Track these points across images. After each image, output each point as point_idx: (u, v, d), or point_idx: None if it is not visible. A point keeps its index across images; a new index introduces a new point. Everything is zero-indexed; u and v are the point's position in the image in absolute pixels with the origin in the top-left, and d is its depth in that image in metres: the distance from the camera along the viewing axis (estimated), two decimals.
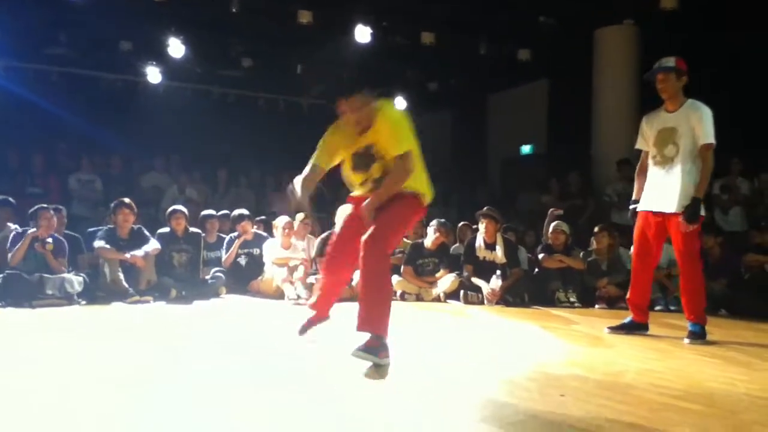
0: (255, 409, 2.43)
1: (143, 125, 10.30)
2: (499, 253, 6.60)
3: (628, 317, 4.63)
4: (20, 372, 3.00)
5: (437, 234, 6.75)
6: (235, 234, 7.02)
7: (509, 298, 6.46)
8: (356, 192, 3.52)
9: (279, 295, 6.34)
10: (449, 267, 6.82)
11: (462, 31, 9.51)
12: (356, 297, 6.59)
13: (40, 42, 10.04)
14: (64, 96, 10.09)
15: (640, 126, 4.55)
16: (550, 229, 6.84)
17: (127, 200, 6.28)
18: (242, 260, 6.99)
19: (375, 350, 3.01)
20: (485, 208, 6.74)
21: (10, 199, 6.67)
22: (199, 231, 6.80)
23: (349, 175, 3.49)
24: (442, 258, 6.89)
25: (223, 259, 6.92)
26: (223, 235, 7.17)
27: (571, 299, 6.44)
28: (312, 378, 2.99)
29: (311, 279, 6.46)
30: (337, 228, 3.59)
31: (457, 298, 6.56)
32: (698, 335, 4.21)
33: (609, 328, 4.62)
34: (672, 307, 6.02)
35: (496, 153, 12.27)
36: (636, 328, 4.54)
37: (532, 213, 8.94)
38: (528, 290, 6.64)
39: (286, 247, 6.76)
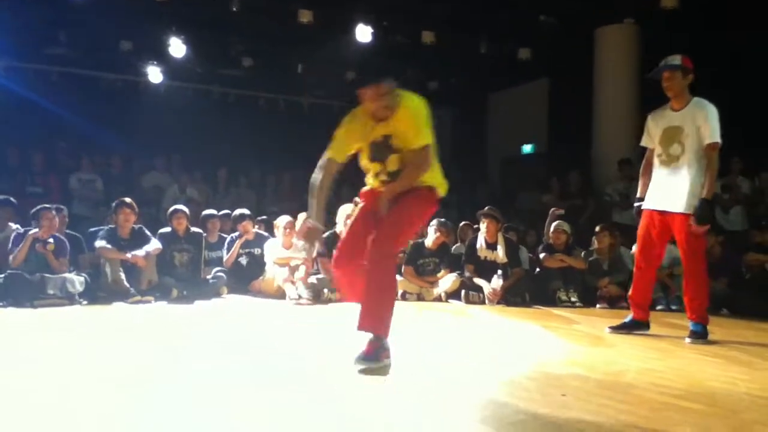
0: (255, 408, 2.44)
1: (144, 125, 10.30)
2: (500, 253, 6.60)
3: (628, 316, 4.63)
4: (20, 372, 3.00)
5: (438, 234, 6.75)
6: (236, 234, 7.03)
7: (510, 297, 6.46)
8: (369, 184, 3.45)
9: (280, 295, 6.34)
10: (450, 267, 6.82)
11: (462, 30, 9.51)
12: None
13: (41, 42, 10.04)
14: (65, 96, 10.08)
15: (645, 123, 4.53)
16: (551, 229, 6.84)
17: (128, 200, 6.29)
18: (243, 260, 6.99)
19: (375, 356, 3.04)
20: (486, 208, 6.74)
21: (11, 198, 6.67)
22: (200, 231, 6.81)
23: (366, 164, 3.42)
24: (443, 258, 6.89)
25: (224, 260, 6.92)
26: (225, 235, 7.18)
27: (572, 299, 6.44)
28: (312, 378, 2.99)
29: (312, 279, 6.47)
30: (348, 223, 3.53)
31: (459, 298, 6.56)
32: (700, 335, 4.20)
33: (610, 327, 4.62)
34: (673, 307, 6.02)
35: (496, 152, 12.27)
36: (637, 326, 4.54)
37: (532, 212, 8.95)
38: (529, 290, 6.64)
39: (287, 247, 6.76)
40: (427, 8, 8.83)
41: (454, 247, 7.32)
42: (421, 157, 3.19)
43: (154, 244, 6.21)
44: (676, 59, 4.27)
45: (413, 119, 3.19)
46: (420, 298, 6.63)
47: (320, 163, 3.39)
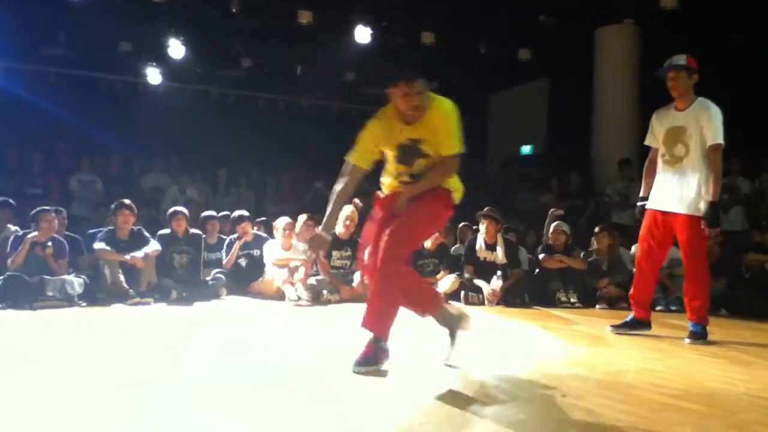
0: (255, 409, 2.44)
1: (143, 126, 10.31)
2: (499, 254, 6.60)
3: (629, 315, 4.62)
4: (20, 372, 3.01)
5: (437, 234, 6.75)
6: (235, 236, 7.02)
7: (509, 298, 6.46)
8: (387, 185, 3.34)
9: (280, 296, 6.34)
10: (449, 268, 6.82)
11: (462, 31, 9.51)
12: (356, 297, 6.63)
13: (40, 43, 10.05)
14: (64, 97, 10.09)
15: (650, 122, 4.53)
16: (551, 230, 6.84)
17: (127, 201, 6.28)
18: (242, 261, 6.99)
19: (372, 359, 3.03)
20: (486, 209, 6.74)
21: (10, 200, 6.68)
22: (199, 232, 6.80)
23: (390, 166, 3.29)
24: (442, 259, 6.89)
25: (223, 262, 6.92)
26: (224, 237, 7.17)
27: (572, 299, 6.44)
28: (312, 378, 3.00)
29: (312, 280, 6.46)
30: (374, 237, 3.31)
31: (458, 299, 6.55)
32: (699, 335, 4.20)
33: (612, 326, 4.62)
34: (673, 307, 6.02)
35: (496, 152, 12.27)
36: (638, 325, 4.53)
37: (532, 213, 8.94)
38: (528, 291, 6.64)
39: (286, 248, 6.76)
40: (427, 9, 8.84)
41: (453, 248, 7.32)
42: (450, 165, 3.13)
43: (153, 246, 6.21)
44: (681, 59, 4.26)
45: (445, 124, 3.09)
46: None
47: (343, 169, 3.23)
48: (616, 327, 4.60)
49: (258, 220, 7.77)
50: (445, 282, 6.64)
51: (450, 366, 3.19)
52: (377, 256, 3.11)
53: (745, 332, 4.77)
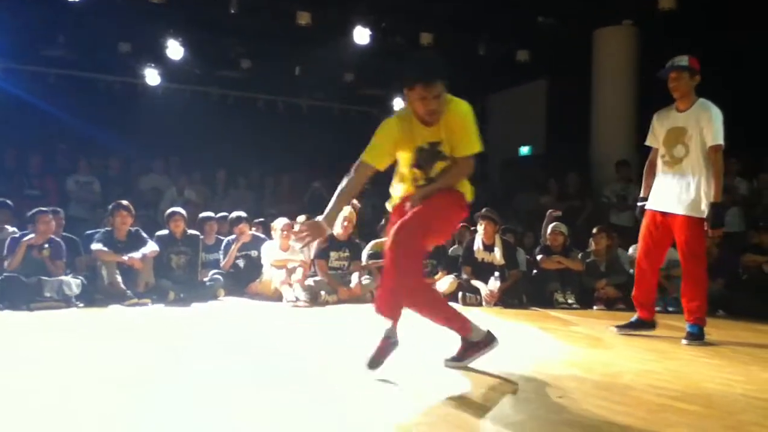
0: (256, 409, 2.44)
1: (142, 127, 10.31)
2: (497, 255, 6.60)
3: (634, 316, 4.62)
4: (21, 372, 3.01)
5: None
6: (233, 237, 7.02)
7: (507, 299, 6.46)
8: (402, 190, 3.26)
9: (277, 297, 6.34)
10: (447, 268, 6.82)
11: (461, 32, 9.52)
12: (354, 298, 6.63)
13: (39, 43, 10.04)
14: (63, 98, 10.10)
15: (651, 123, 4.53)
16: (549, 231, 6.84)
17: (124, 202, 6.29)
18: (240, 262, 6.99)
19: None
20: (484, 210, 6.74)
21: (8, 201, 6.67)
22: (197, 233, 6.80)
23: (405, 171, 3.21)
24: (440, 259, 6.89)
25: (221, 263, 6.91)
26: (222, 237, 7.17)
27: (570, 300, 6.44)
28: (313, 378, 3.00)
29: (309, 281, 6.46)
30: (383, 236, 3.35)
31: (456, 300, 6.55)
32: (696, 336, 4.20)
33: (616, 327, 4.63)
34: (670, 308, 6.03)
35: (495, 153, 12.27)
36: (642, 325, 4.53)
37: (530, 214, 8.94)
38: (526, 291, 6.64)
39: (284, 249, 6.75)
40: (426, 10, 8.85)
41: (451, 248, 7.32)
42: (465, 166, 3.08)
43: (151, 247, 6.20)
44: (683, 60, 4.26)
45: (462, 125, 3.03)
46: None
47: (355, 166, 3.08)
48: (620, 327, 4.60)
49: (256, 221, 7.77)
50: (443, 283, 6.64)
51: (451, 367, 3.19)
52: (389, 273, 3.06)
53: (742, 333, 4.77)
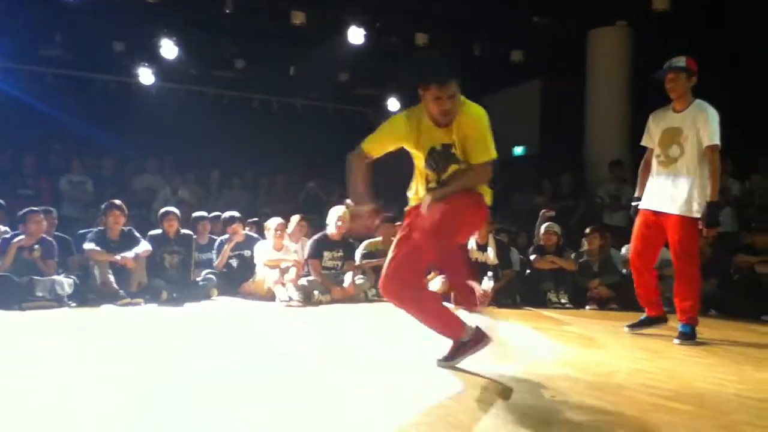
0: (255, 409, 2.45)
1: (136, 126, 10.29)
2: (491, 255, 6.60)
3: (643, 314, 4.63)
4: (20, 372, 3.01)
5: None
6: (226, 237, 7.00)
7: (500, 299, 6.46)
8: (415, 193, 3.25)
9: (270, 296, 6.32)
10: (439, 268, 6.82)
11: (456, 32, 9.52)
12: (348, 298, 6.62)
13: (35, 43, 10.00)
14: (57, 97, 10.06)
15: (647, 123, 4.54)
16: (542, 231, 6.85)
17: (117, 202, 6.26)
18: (234, 262, 6.97)
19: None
20: None
21: (1, 201, 6.64)
22: (190, 233, 6.78)
23: (418, 174, 3.19)
24: None
25: (214, 263, 6.89)
26: (215, 237, 7.15)
27: (563, 300, 6.45)
28: (312, 378, 3.00)
29: (303, 281, 6.45)
30: (393, 248, 3.17)
31: (449, 300, 6.54)
32: (688, 336, 4.22)
33: (628, 326, 4.64)
34: (663, 308, 6.03)
35: None
36: (653, 322, 4.54)
37: (524, 214, 8.95)
38: (520, 291, 6.65)
39: (277, 249, 6.74)
40: (421, 10, 8.85)
41: None
42: (481, 172, 3.03)
43: (144, 246, 6.18)
44: (681, 61, 4.27)
45: (474, 131, 2.98)
46: None
47: (351, 154, 3.13)
48: (631, 326, 4.62)
49: (250, 220, 7.76)
50: (436, 283, 6.62)
51: (443, 366, 3.19)
52: (388, 269, 3.04)
53: (734, 333, 4.79)
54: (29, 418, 2.27)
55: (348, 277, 6.61)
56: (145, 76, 10.69)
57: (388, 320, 3.21)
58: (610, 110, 9.06)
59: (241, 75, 11.18)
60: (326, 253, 6.72)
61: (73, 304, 5.59)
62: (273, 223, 6.82)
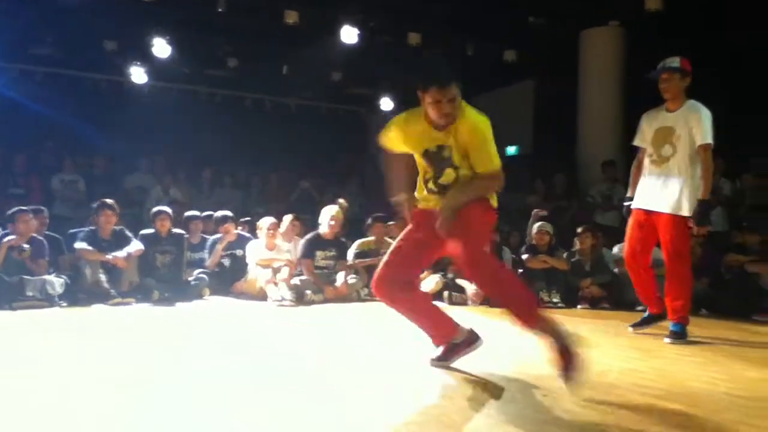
0: (255, 409, 2.45)
1: (129, 125, 10.24)
2: None
3: (645, 313, 4.64)
4: (20, 372, 3.02)
5: None
6: (218, 236, 6.98)
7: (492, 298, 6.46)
8: (420, 197, 3.19)
9: (263, 296, 6.31)
10: (433, 267, 6.81)
11: (449, 32, 9.53)
12: (340, 297, 6.61)
13: (27, 42, 9.93)
14: (49, 96, 10.00)
15: (639, 123, 4.55)
16: (534, 230, 6.86)
17: (109, 201, 6.23)
18: (226, 261, 6.95)
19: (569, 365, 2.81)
20: None
21: None
22: (182, 232, 6.76)
23: (420, 174, 3.16)
24: None
25: (207, 262, 6.87)
26: (207, 236, 7.13)
27: (555, 299, 6.47)
28: (312, 378, 3.01)
29: (295, 280, 6.44)
30: (392, 248, 3.18)
31: (441, 299, 6.56)
32: (679, 335, 4.23)
33: (632, 326, 4.65)
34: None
35: None
36: (656, 320, 4.54)
37: (517, 213, 8.96)
38: None
39: (270, 248, 6.73)
40: (414, 9, 8.84)
41: None
42: (489, 181, 2.96)
43: (136, 245, 6.16)
44: (675, 61, 4.29)
45: (477, 137, 2.92)
46: None
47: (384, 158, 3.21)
48: (635, 326, 4.63)
49: (242, 220, 7.74)
50: (429, 282, 6.63)
51: (436, 366, 3.19)
52: (384, 269, 3.06)
53: (725, 332, 4.81)
54: (29, 418, 2.28)
55: (340, 277, 6.60)
56: (138, 74, 10.65)
57: (385, 319, 3.22)
58: (602, 110, 9.07)
59: (233, 74, 11.14)
60: (319, 253, 6.71)
61: (64, 304, 5.56)
62: (265, 222, 6.80)
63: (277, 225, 6.92)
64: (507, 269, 3.01)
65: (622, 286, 6.37)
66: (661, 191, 4.28)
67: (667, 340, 4.23)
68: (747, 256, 6.14)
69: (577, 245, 6.86)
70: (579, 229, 6.87)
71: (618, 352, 3.85)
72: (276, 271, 6.44)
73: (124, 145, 10.04)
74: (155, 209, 6.71)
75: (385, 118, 13.81)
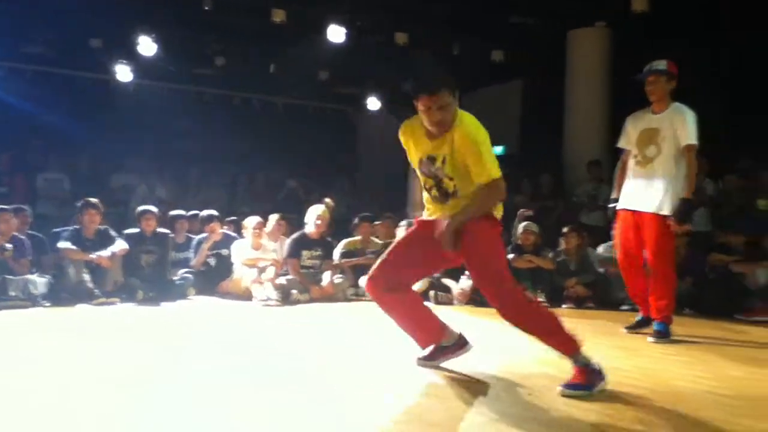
0: (255, 409, 2.45)
1: (115, 124, 10.18)
2: None
3: (639, 315, 4.65)
4: (20, 372, 3.02)
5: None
6: (204, 235, 6.93)
7: (478, 297, 6.46)
8: (426, 206, 3.15)
9: (248, 296, 6.27)
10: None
11: (436, 31, 9.54)
12: (326, 297, 6.59)
13: (14, 40, 9.81)
14: (34, 94, 9.91)
15: (623, 125, 4.59)
16: (520, 230, 6.87)
17: (93, 200, 6.18)
18: (212, 261, 6.91)
19: (585, 385, 2.75)
20: None
21: None
22: (167, 231, 6.71)
23: (421, 182, 3.11)
24: None
25: (192, 261, 6.83)
26: (192, 236, 7.08)
27: (540, 299, 6.47)
28: (312, 378, 3.01)
29: (281, 280, 6.41)
30: (390, 249, 3.16)
31: (428, 299, 6.55)
32: (663, 334, 4.26)
33: (626, 327, 4.65)
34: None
35: None
36: (647, 323, 4.54)
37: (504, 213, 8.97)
38: None
39: (256, 248, 6.69)
40: (401, 9, 8.84)
41: None
42: (491, 191, 2.86)
43: (121, 245, 6.11)
44: (661, 64, 4.34)
45: (471, 147, 2.83)
46: None
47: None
48: (629, 328, 4.64)
49: (228, 219, 7.70)
50: (417, 282, 6.63)
51: (423, 366, 3.19)
52: (380, 268, 3.04)
53: (709, 331, 4.84)
54: (29, 418, 2.28)
55: (326, 277, 6.58)
56: (123, 73, 10.56)
57: (385, 319, 3.20)
58: (589, 111, 9.11)
59: (221, 73, 11.08)
60: (305, 252, 6.69)
61: (47, 304, 5.50)
62: (251, 221, 6.77)
63: (263, 224, 6.88)
64: (527, 296, 2.98)
65: (607, 285, 6.41)
66: (646, 191, 4.32)
67: (651, 339, 4.26)
68: (731, 255, 6.19)
69: (562, 245, 6.88)
70: (565, 229, 6.89)
71: (602, 351, 3.85)
72: (261, 270, 6.41)
73: (110, 144, 9.98)
74: (141, 208, 6.65)
75: (372, 117, 13.83)
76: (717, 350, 4.04)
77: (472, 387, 2.87)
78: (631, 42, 8.25)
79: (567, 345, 2.85)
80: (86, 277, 5.77)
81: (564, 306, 6.40)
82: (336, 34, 9.03)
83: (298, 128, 11.89)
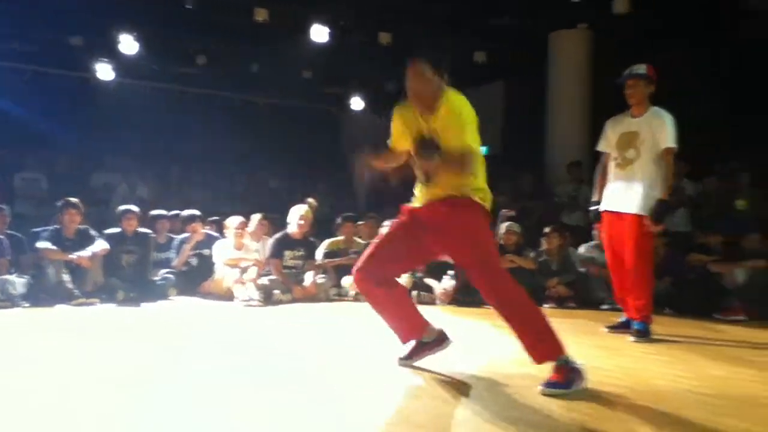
0: (255, 409, 2.45)
1: (95, 122, 10.08)
2: None
3: (622, 316, 4.68)
4: (20, 372, 3.00)
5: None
6: (185, 235, 6.88)
7: (460, 297, 6.48)
8: (417, 194, 3.15)
9: (230, 296, 6.24)
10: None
11: (419, 32, 9.54)
12: (308, 297, 6.57)
13: None
14: (11, 92, 9.78)
15: (603, 128, 4.65)
16: (502, 230, 6.90)
17: (73, 200, 6.11)
18: (193, 261, 6.86)
19: (563, 383, 2.75)
20: None
21: None
22: (148, 231, 6.65)
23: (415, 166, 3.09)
24: None
25: (174, 261, 6.77)
26: (173, 236, 7.02)
27: None
28: (312, 378, 3.01)
29: (264, 280, 6.39)
30: (377, 241, 3.17)
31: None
32: (643, 333, 4.30)
33: (607, 327, 4.69)
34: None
35: None
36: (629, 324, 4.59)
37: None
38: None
39: (238, 248, 6.66)
40: (384, 9, 8.84)
41: None
42: (460, 158, 2.82)
43: (101, 245, 6.04)
44: (641, 68, 4.40)
45: (453, 116, 2.88)
46: None
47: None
48: (611, 328, 4.66)
49: (210, 219, 7.65)
50: (402, 277, 6.63)
51: (403, 365, 3.19)
52: (368, 261, 3.03)
53: (689, 330, 4.89)
54: (29, 418, 2.27)
55: (309, 277, 6.57)
56: (104, 71, 10.45)
57: (380, 319, 3.21)
58: (570, 112, 9.18)
59: (202, 71, 11.01)
60: (287, 253, 6.67)
61: (26, 304, 5.44)
62: (233, 221, 6.74)
63: (246, 224, 6.85)
64: (520, 288, 2.95)
65: (588, 285, 6.45)
66: (626, 193, 4.39)
67: (632, 338, 4.30)
68: (710, 255, 6.27)
69: (544, 245, 6.92)
70: (546, 229, 6.93)
71: (583, 350, 3.88)
72: (243, 270, 6.38)
73: (90, 143, 9.89)
74: (122, 208, 6.59)
75: (356, 117, 13.79)
76: (697, 349, 4.09)
77: (452, 386, 2.88)
78: (612, 44, 8.32)
79: (553, 346, 2.87)
80: (66, 277, 5.71)
81: (546, 306, 6.43)
82: (319, 33, 9.01)
83: (281, 128, 11.84)
